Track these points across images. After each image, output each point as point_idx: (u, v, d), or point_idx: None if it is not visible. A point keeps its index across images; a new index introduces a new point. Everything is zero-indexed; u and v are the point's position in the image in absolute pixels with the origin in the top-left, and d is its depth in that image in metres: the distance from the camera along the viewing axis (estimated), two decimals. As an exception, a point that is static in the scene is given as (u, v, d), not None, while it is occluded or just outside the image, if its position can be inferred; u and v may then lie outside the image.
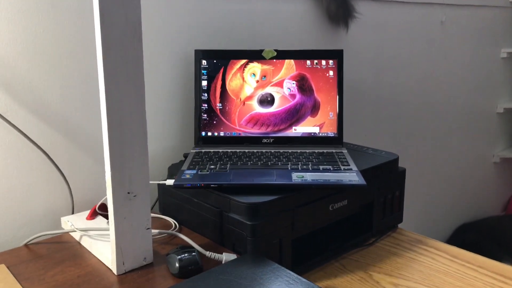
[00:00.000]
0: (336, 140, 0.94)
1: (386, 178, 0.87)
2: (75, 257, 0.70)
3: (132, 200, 0.65)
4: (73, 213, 0.85)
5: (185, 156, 0.89)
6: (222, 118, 0.94)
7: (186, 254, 0.66)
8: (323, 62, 0.95)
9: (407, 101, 1.60)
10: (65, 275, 0.65)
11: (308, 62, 0.95)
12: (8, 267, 0.67)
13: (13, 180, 0.78)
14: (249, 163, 0.83)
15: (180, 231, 0.79)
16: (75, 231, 0.75)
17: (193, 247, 0.69)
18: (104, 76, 0.59)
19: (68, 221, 0.78)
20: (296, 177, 0.75)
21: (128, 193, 0.64)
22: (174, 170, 0.85)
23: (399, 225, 0.94)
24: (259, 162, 0.83)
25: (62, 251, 0.72)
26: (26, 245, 0.74)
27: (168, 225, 0.82)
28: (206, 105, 0.94)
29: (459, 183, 1.98)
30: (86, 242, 0.73)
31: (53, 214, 0.83)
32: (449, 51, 1.73)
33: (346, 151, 0.90)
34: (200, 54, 0.94)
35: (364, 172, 0.79)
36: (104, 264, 0.68)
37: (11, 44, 0.75)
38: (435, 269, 0.77)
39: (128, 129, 0.62)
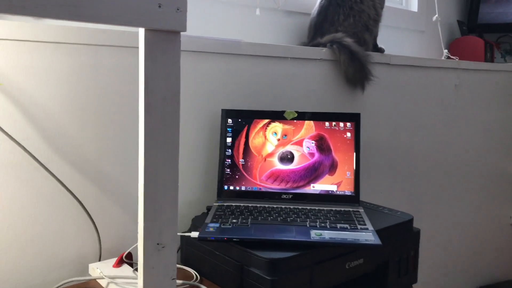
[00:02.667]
0: (353, 199, 0.97)
1: (401, 238, 0.90)
2: (101, 303, 0.74)
3: (161, 251, 0.69)
4: (100, 260, 0.89)
5: (208, 208, 0.93)
6: (244, 173, 0.99)
7: (208, 306, 0.69)
8: (341, 124, 1.01)
9: (422, 161, 1.64)
10: (93, 321, 0.69)
11: (327, 123, 1.01)
12: (39, 311, 0.71)
13: (47, 225, 0.83)
14: (269, 218, 0.87)
15: (201, 282, 0.82)
16: (103, 278, 0.78)
17: (214, 299, 0.72)
18: (144, 136, 0.65)
19: (97, 268, 0.82)
20: (315, 234, 0.79)
21: (158, 244, 0.68)
22: (197, 222, 0.90)
23: (414, 286, 0.95)
24: (278, 218, 0.87)
25: (90, 297, 0.76)
26: (55, 289, 0.78)
27: (189, 276, 0.85)
28: (229, 160, 1.00)
29: (475, 244, 1.96)
30: (112, 289, 0.77)
31: (82, 260, 0.87)
32: (463, 113, 1.78)
33: (362, 210, 0.93)
34: (227, 113, 1.01)
35: (379, 232, 0.82)
36: (129, 312, 0.71)
37: (59, 101, 0.83)
38: (450, 332, 0.78)
39: (161, 184, 0.68)
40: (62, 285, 0.79)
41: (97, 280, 0.81)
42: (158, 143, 0.66)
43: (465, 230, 1.89)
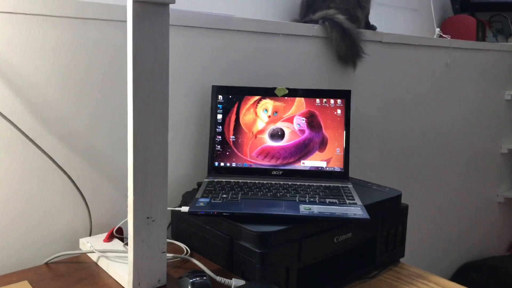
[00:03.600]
0: (342, 175, 0.98)
1: (389, 213, 0.91)
2: (92, 276, 0.75)
3: (151, 225, 0.69)
4: (90, 235, 0.89)
5: (199, 184, 0.94)
6: (235, 149, 1.00)
7: (197, 278, 0.70)
8: (332, 101, 1.01)
9: (413, 139, 1.65)
10: (84, 293, 0.69)
11: (318, 100, 1.01)
12: (30, 283, 0.71)
13: (37, 201, 0.83)
14: (259, 193, 0.87)
15: (191, 256, 0.83)
16: (93, 252, 0.79)
17: (204, 272, 0.73)
18: (133, 109, 0.65)
19: (87, 242, 0.83)
20: (304, 209, 0.80)
21: (148, 217, 0.69)
22: (188, 198, 0.90)
23: (401, 260, 0.97)
24: (268, 193, 0.87)
25: (81, 270, 0.77)
26: (46, 263, 0.79)
27: (179, 250, 0.86)
28: (220, 137, 1.00)
29: (463, 222, 2.00)
30: (103, 263, 0.78)
31: (72, 235, 0.88)
32: (453, 92, 1.79)
33: (351, 185, 0.94)
34: (217, 90, 1.01)
35: (368, 207, 0.84)
36: (120, 285, 0.72)
37: (46, 75, 0.82)
38: (435, 303, 0.80)
39: (151, 157, 0.68)
40: (52, 258, 0.79)
41: (87, 254, 0.82)
42: (147, 117, 0.66)
43: (453, 207, 1.92)
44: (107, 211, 0.92)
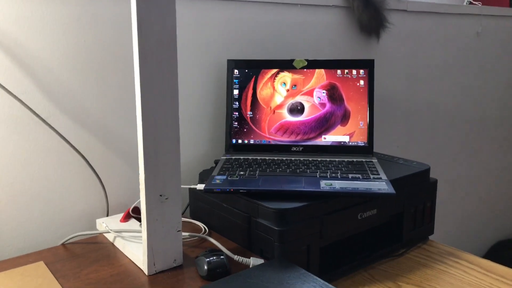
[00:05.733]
0: (366, 150, 0.93)
1: (416, 188, 0.86)
2: (108, 257, 0.73)
3: (164, 203, 0.67)
4: (107, 215, 0.88)
5: (216, 162, 0.91)
6: (253, 126, 0.96)
7: (214, 257, 0.67)
8: (354, 71, 0.95)
9: (441, 113, 1.57)
10: (99, 274, 0.68)
11: (339, 71, 0.95)
12: (46, 264, 0.70)
13: (52, 182, 0.82)
14: (278, 170, 0.84)
15: (209, 235, 0.80)
16: (109, 232, 0.77)
17: (221, 251, 0.70)
18: (140, 82, 0.62)
19: (103, 222, 0.81)
20: (325, 184, 0.76)
21: (161, 195, 0.66)
22: (205, 176, 0.87)
23: (430, 237, 0.92)
24: (288, 170, 0.84)
25: (97, 251, 0.75)
26: (63, 244, 0.78)
27: (198, 230, 0.84)
28: (237, 113, 0.96)
29: (496, 197, 1.91)
30: (119, 243, 0.76)
31: (89, 216, 0.86)
32: (485, 63, 1.69)
33: (376, 160, 0.89)
34: (233, 64, 0.97)
35: (394, 182, 0.79)
36: (136, 265, 0.70)
37: (56, 54, 0.80)
38: (467, 282, 0.76)
39: (162, 133, 0.65)
40: (69, 239, 0.78)
41: (104, 234, 0.80)
42: (156, 88, 0.63)
43: (485, 183, 1.83)
44: (123, 191, 0.90)
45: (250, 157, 0.91)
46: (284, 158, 0.90)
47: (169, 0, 0.62)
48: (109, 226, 0.79)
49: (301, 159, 0.90)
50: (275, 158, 0.90)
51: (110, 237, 0.79)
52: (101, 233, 0.80)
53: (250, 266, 0.68)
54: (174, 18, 0.63)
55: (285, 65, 0.97)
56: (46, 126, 0.80)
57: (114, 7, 0.84)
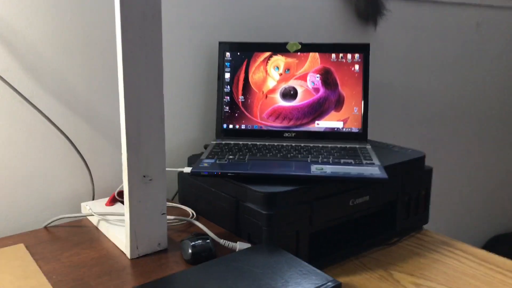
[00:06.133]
0: (361, 136, 0.91)
1: (411, 175, 0.84)
2: (91, 240, 0.71)
3: (148, 184, 0.64)
4: (93, 199, 0.85)
5: (206, 147, 0.88)
6: (244, 111, 0.93)
7: (199, 241, 0.65)
8: (349, 56, 0.93)
9: (438, 102, 1.55)
10: (80, 256, 0.66)
11: (333, 55, 0.93)
12: (26, 247, 0.68)
13: (36, 163, 0.80)
14: (268, 155, 0.81)
15: (197, 219, 0.78)
16: (93, 215, 0.75)
17: (207, 235, 0.68)
18: (123, 57, 0.59)
19: (87, 205, 0.79)
20: (315, 169, 0.73)
21: (144, 176, 0.64)
22: (193, 160, 0.85)
23: (425, 227, 0.90)
24: (278, 154, 0.81)
25: (80, 234, 0.73)
26: (45, 227, 0.75)
27: (186, 214, 0.82)
28: (228, 98, 0.94)
29: (494, 190, 1.89)
30: (103, 227, 0.74)
31: (74, 199, 0.84)
32: (484, 54, 1.67)
33: (370, 147, 0.87)
34: (224, 46, 0.94)
35: (387, 168, 0.77)
36: (119, 248, 0.68)
37: (40, 32, 0.77)
38: (461, 271, 0.73)
39: (145, 111, 0.62)
40: (51, 222, 0.76)
41: (88, 218, 0.78)
42: (139, 64, 0.60)
43: (482, 174, 1.81)
44: (109, 174, 0.88)
45: (240, 142, 0.89)
46: (276, 144, 0.88)
47: (154, -28, 0.59)
48: (93, 209, 0.77)
49: (293, 144, 0.88)
50: (266, 144, 0.88)
51: (94, 220, 0.77)
52: (85, 216, 0.78)
53: (237, 251, 0.66)
54: (159, -9, 0.60)
55: (279, 48, 0.94)
56: (30, 105, 0.77)
57: (102, -16, 0.82)
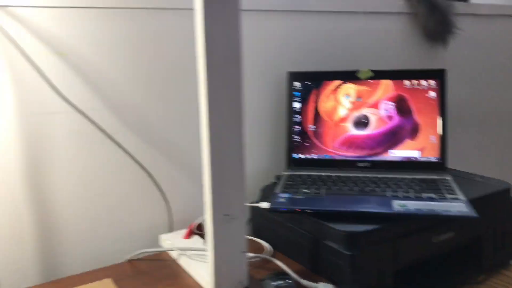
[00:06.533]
0: (439, 166, 0.87)
1: (497, 209, 0.79)
2: (173, 276, 0.72)
3: (230, 223, 0.65)
4: (170, 231, 0.88)
5: (277, 178, 0.88)
6: (315, 140, 0.93)
7: (281, 282, 0.64)
8: (424, 82, 0.90)
9: (514, 122, 1.46)
10: (165, 293, 0.67)
11: (407, 82, 0.90)
12: (114, 282, 0.71)
13: (118, 197, 0.83)
14: (344, 188, 0.80)
15: (273, 255, 0.78)
16: (173, 250, 0.77)
17: (287, 274, 0.67)
18: (207, 100, 0.61)
19: (167, 239, 0.81)
20: (397, 205, 0.71)
21: (226, 215, 0.65)
22: (266, 192, 0.85)
23: (512, 262, 0.85)
24: (355, 188, 0.80)
25: (161, 269, 0.75)
26: (129, 260, 0.78)
27: (260, 248, 0.82)
28: (298, 127, 0.93)
29: None
30: (183, 261, 0.75)
31: (153, 231, 0.87)
32: None
33: (450, 178, 0.83)
34: (293, 76, 0.94)
35: (472, 202, 0.73)
36: (200, 285, 0.69)
37: (121, 71, 0.81)
38: (561, 316, 0.68)
39: (227, 151, 0.63)
40: (134, 256, 0.78)
41: (167, 252, 0.80)
42: (221, 107, 0.62)
43: None
44: (186, 207, 0.90)
45: (313, 173, 0.88)
46: (350, 175, 0.86)
47: (235, 16, 0.61)
48: (173, 243, 0.79)
49: (369, 176, 0.85)
50: (341, 175, 0.86)
51: (174, 254, 0.78)
52: (165, 251, 0.80)
53: (319, 292, 0.65)
54: (240, 34, 0.61)
55: (349, 76, 0.93)
56: (112, 142, 0.81)
57: (174, 21, 0.85)
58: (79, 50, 0.77)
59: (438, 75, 0.90)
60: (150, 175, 0.84)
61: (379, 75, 0.91)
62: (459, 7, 1.22)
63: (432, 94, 0.90)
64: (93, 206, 0.81)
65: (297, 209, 0.72)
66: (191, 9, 0.85)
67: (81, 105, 0.78)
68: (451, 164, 1.27)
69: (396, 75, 0.91)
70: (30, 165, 0.75)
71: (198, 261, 0.73)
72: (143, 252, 0.79)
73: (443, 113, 0.89)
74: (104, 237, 0.83)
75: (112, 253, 0.84)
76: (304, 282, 0.66)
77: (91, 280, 0.71)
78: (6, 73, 0.71)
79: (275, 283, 0.64)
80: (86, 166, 0.80)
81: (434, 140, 0.88)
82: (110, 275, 0.73)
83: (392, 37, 1.15)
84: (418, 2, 1.15)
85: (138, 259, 0.78)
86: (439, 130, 0.88)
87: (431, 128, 0.89)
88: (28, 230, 0.76)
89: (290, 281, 0.65)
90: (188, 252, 0.76)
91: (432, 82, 0.90)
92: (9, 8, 0.70)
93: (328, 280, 0.68)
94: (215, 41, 0.60)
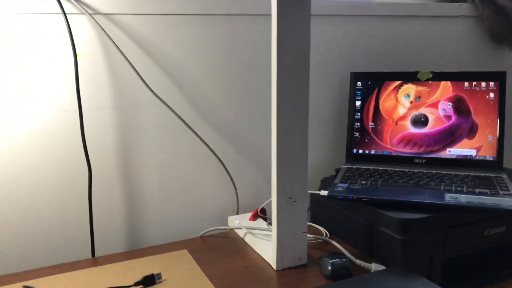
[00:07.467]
0: (495, 164, 0.90)
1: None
2: (240, 251, 0.82)
3: (293, 205, 0.73)
4: (237, 213, 0.98)
5: (337, 171, 0.95)
6: (374, 136, 0.99)
7: (337, 259, 0.72)
8: (483, 84, 0.93)
9: None
10: (233, 264, 0.77)
11: (466, 83, 0.94)
12: (189, 252, 0.81)
13: (194, 180, 0.94)
14: (400, 181, 0.85)
15: (331, 239, 0.85)
16: (241, 228, 0.87)
17: (344, 254, 0.75)
18: (277, 95, 0.69)
19: (235, 219, 0.91)
20: (449, 197, 0.76)
21: (290, 198, 0.73)
22: (326, 183, 0.92)
23: None
24: (410, 181, 0.85)
25: (230, 245, 0.85)
26: (201, 236, 0.89)
27: (318, 233, 0.89)
28: (358, 124, 1.00)
29: None
30: (249, 239, 0.85)
31: (222, 212, 0.97)
32: None
33: (506, 176, 0.86)
34: (356, 76, 1.01)
35: (527, 199, 0.76)
36: (265, 260, 0.78)
37: (200, 71, 0.92)
38: None
39: (292, 141, 0.72)
40: (206, 232, 0.89)
41: (235, 230, 0.90)
42: (289, 101, 0.70)
43: None
44: (252, 193, 0.99)
45: (371, 167, 0.94)
46: (407, 170, 0.91)
47: (305, 22, 0.69)
48: (240, 222, 0.89)
49: (424, 171, 0.90)
50: (397, 170, 0.92)
51: (241, 233, 0.88)
52: (233, 229, 0.90)
53: (372, 271, 0.71)
54: (308, 38, 0.70)
55: (409, 77, 0.98)
56: (191, 132, 0.92)
57: (249, 26, 0.94)
58: (164, 51, 0.89)
59: (498, 77, 0.92)
60: (222, 162, 0.95)
61: (438, 76, 0.96)
62: (528, 9, 1.22)
63: (492, 95, 0.92)
64: (171, 188, 0.93)
65: (353, 197, 0.79)
66: (262, 15, 0.95)
67: (166, 99, 0.90)
68: (509, 164, 1.27)
69: (455, 77, 0.94)
70: (123, 150, 0.88)
71: (263, 239, 0.82)
72: (214, 229, 0.89)
73: (501, 114, 0.91)
74: (180, 216, 0.94)
75: (186, 230, 0.95)
76: (358, 262, 0.73)
77: (170, 250, 0.83)
78: (108, 71, 0.85)
79: (331, 261, 0.71)
80: (167, 152, 0.92)
81: (492, 139, 0.91)
82: (186, 247, 0.84)
83: (454, 40, 1.17)
84: (483, 5, 1.17)
85: (209, 236, 0.89)
86: (497, 130, 0.91)
87: (489, 128, 0.92)
88: (118, 206, 0.89)
89: (345, 260, 0.72)
90: (254, 231, 0.85)
91: (491, 84, 0.93)
92: (110, 15, 0.84)
93: (381, 263, 0.75)
94: (286, 44, 0.68)
